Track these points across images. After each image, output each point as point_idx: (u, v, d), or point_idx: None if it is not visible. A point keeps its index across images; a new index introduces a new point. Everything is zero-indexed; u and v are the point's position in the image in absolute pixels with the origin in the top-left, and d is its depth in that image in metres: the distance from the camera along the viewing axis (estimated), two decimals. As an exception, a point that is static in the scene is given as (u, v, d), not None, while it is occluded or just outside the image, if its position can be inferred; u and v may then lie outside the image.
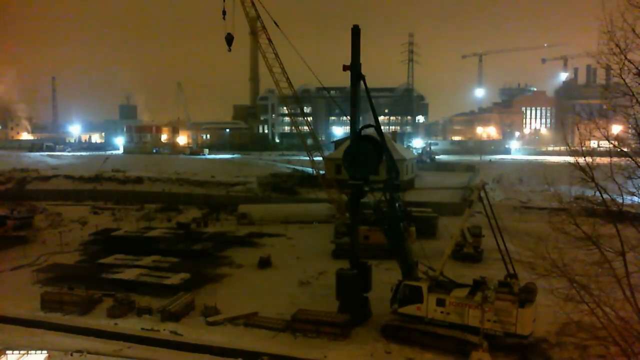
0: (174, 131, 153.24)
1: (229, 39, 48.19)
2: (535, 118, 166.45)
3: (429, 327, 25.84)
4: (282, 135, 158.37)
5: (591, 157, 16.23)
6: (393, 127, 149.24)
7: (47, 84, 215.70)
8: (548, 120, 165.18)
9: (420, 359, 24.95)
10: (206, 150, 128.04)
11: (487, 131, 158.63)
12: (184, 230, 52.14)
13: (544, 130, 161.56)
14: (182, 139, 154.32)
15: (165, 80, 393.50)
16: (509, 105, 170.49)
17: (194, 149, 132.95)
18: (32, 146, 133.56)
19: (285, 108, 69.87)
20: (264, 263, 41.20)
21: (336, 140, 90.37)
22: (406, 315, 26.68)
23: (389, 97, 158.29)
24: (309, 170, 70.13)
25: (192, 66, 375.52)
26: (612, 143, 16.28)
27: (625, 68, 15.34)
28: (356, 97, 29.05)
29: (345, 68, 28.74)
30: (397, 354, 25.31)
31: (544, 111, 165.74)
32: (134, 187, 74.66)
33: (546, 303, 22.34)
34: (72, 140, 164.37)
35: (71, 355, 25.38)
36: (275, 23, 45.26)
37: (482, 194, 26.65)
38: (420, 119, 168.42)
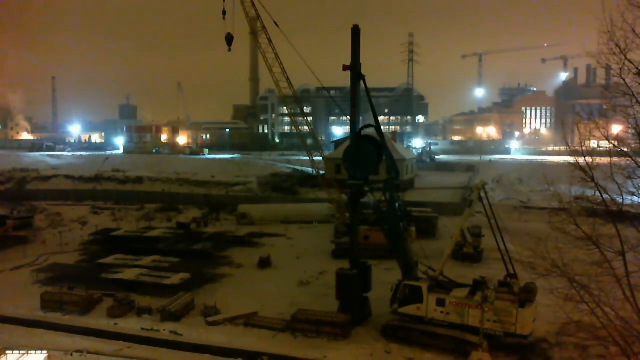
0: (174, 131, 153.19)
1: (229, 39, 48.16)
2: (535, 118, 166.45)
3: (429, 327, 25.84)
4: (282, 135, 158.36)
5: (591, 157, 16.24)
6: (393, 127, 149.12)
7: (47, 84, 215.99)
8: (548, 120, 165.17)
9: (420, 359, 24.95)
10: (206, 150, 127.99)
11: (487, 131, 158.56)
12: (184, 230, 52.18)
13: (544, 130, 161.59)
14: (182, 139, 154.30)
15: (165, 80, 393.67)
16: (509, 105, 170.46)
17: (194, 149, 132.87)
18: (32, 146, 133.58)
19: (285, 108, 69.90)
20: (264, 263, 41.20)
21: (336, 140, 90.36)
22: (406, 315, 26.68)
23: (389, 97, 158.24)
24: (309, 170, 70.09)
25: (192, 66, 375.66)
26: (612, 143, 16.28)
27: (625, 68, 15.35)
28: (356, 97, 29.04)
29: (345, 68, 28.74)
30: (397, 354, 25.31)
31: (544, 111, 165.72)
32: (134, 187, 74.64)
33: (546, 303, 22.31)
34: (72, 141, 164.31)
35: (71, 355, 25.39)
36: (275, 23, 45.25)
37: (482, 194, 26.65)
38: (420, 119, 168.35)
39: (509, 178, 74.98)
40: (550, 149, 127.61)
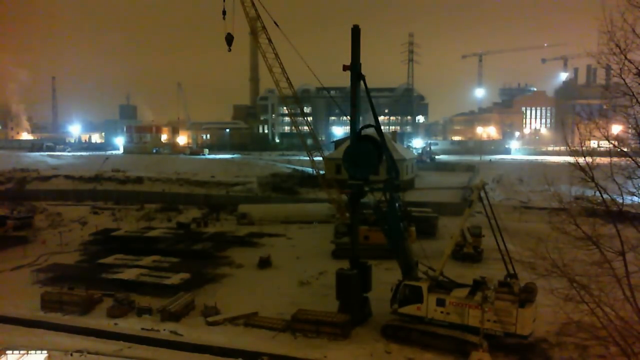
0: (174, 131, 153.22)
1: (229, 39, 48.17)
2: (535, 118, 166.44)
3: (429, 327, 25.83)
4: (282, 135, 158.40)
5: (591, 157, 16.24)
6: (393, 127, 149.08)
7: (47, 84, 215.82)
8: (548, 120, 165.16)
9: (420, 359, 24.94)
10: (206, 150, 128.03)
11: (487, 131, 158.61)
12: (184, 230, 52.22)
13: (544, 130, 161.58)
14: (182, 139, 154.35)
15: (165, 80, 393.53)
16: (509, 105, 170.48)
17: (194, 149, 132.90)
18: (32, 146, 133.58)
19: (285, 108, 69.88)
20: (264, 263, 41.21)
21: (336, 140, 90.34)
22: (406, 315, 26.67)
23: (389, 97, 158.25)
24: (309, 170, 70.12)
25: (192, 66, 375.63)
26: (612, 143, 16.29)
27: (625, 68, 15.36)
28: (356, 97, 29.04)
29: (345, 68, 28.73)
30: (397, 354, 25.31)
31: (544, 111, 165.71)
32: (134, 187, 74.66)
33: (546, 303, 22.29)
34: (72, 141, 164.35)
35: (71, 355, 25.38)
36: (275, 23, 45.27)
37: (482, 194, 26.65)
38: (420, 119, 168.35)
39: (509, 178, 74.96)
40: (550, 149, 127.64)
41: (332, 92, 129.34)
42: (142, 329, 28.63)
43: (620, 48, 15.17)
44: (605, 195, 16.18)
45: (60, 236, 51.34)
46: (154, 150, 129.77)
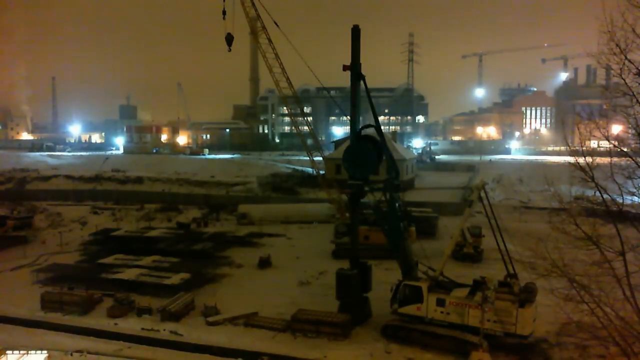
0: (174, 131, 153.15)
1: (229, 39, 48.15)
2: (535, 118, 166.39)
3: (429, 327, 25.83)
4: (282, 135, 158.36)
5: (591, 157, 16.25)
6: (393, 127, 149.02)
7: (47, 84, 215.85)
8: (548, 120, 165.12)
9: (420, 359, 24.94)
10: (206, 150, 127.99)
11: (487, 131, 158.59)
12: (184, 230, 52.22)
13: (544, 130, 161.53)
14: (182, 139, 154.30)
15: (165, 80, 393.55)
16: (509, 105, 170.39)
17: (194, 149, 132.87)
18: (32, 146, 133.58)
19: (285, 108, 69.89)
20: (264, 263, 41.20)
21: (336, 140, 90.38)
22: (406, 315, 26.67)
23: (389, 97, 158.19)
24: (309, 170, 70.11)
25: (192, 66, 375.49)
26: (612, 143, 16.30)
27: (625, 68, 15.36)
28: (356, 97, 29.03)
29: (345, 68, 28.73)
30: (397, 354, 25.30)
31: (544, 111, 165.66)
32: (134, 187, 74.65)
33: (546, 303, 22.33)
34: (72, 140, 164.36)
35: (71, 355, 25.39)
36: (275, 23, 45.26)
37: (482, 194, 26.64)
38: (420, 119, 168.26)
39: (509, 178, 74.95)
40: (550, 149, 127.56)
41: (332, 92, 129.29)
42: (142, 329, 28.62)
43: (620, 48, 15.17)
44: (605, 195, 16.19)
45: (60, 236, 51.33)
46: (154, 150, 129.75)
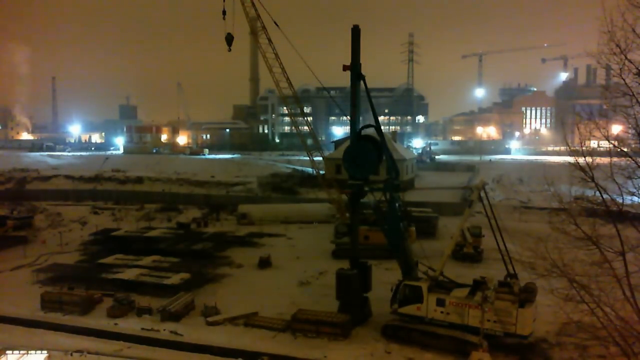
0: (174, 131, 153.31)
1: (229, 39, 48.13)
2: (535, 118, 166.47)
3: (429, 327, 25.83)
4: (282, 135, 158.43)
5: (591, 157, 16.24)
6: (393, 127, 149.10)
7: (47, 84, 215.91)
8: (548, 120, 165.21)
9: (420, 359, 24.94)
10: (206, 150, 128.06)
11: (487, 131, 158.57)
12: (184, 230, 52.22)
13: (544, 130, 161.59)
14: (182, 139, 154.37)
15: (165, 80, 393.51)
16: (509, 105, 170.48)
17: (194, 149, 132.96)
18: (32, 146, 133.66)
19: (285, 108, 69.87)
20: (264, 263, 41.20)
21: (336, 140, 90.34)
22: (406, 315, 26.67)
23: (389, 97, 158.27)
24: (309, 170, 70.10)
25: (192, 66, 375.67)
26: (612, 143, 16.29)
27: (625, 68, 15.36)
28: (356, 97, 29.02)
29: (345, 68, 28.72)
30: (397, 354, 25.30)
31: (544, 111, 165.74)
32: (134, 187, 74.63)
33: (546, 303, 22.33)
34: (72, 140, 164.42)
35: (71, 355, 25.38)
36: (275, 23, 45.23)
37: (482, 194, 26.64)
38: (420, 119, 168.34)
39: (509, 178, 74.95)
40: (550, 149, 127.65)
41: (332, 92, 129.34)
42: (142, 329, 28.62)
43: (620, 48, 15.17)
44: (605, 195, 16.18)
45: (60, 236, 51.33)
46: (154, 150, 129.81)
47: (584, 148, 16.54)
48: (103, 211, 64.74)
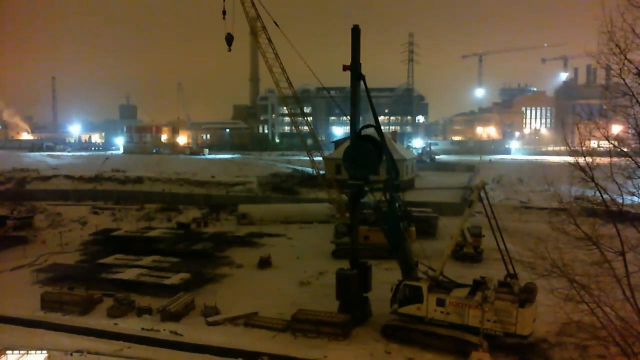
0: (174, 131, 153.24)
1: (229, 39, 48.14)
2: (535, 118, 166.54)
3: (429, 327, 25.82)
4: (282, 135, 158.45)
5: (591, 157, 16.24)
6: (393, 127, 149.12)
7: (47, 84, 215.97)
8: (548, 120, 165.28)
9: (420, 359, 24.94)
10: (206, 150, 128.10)
11: (487, 131, 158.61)
12: (184, 230, 52.20)
13: (544, 130, 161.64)
14: (182, 139, 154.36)
15: (165, 80, 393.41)
16: (509, 105, 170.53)
17: (194, 149, 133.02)
18: (32, 146, 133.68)
19: (285, 108, 69.83)
20: (264, 263, 41.19)
21: (336, 140, 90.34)
22: (406, 315, 26.67)
23: (389, 97, 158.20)
24: (309, 170, 70.12)
25: (192, 66, 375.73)
26: (612, 143, 16.30)
27: (625, 68, 15.36)
28: (356, 97, 29.01)
29: (345, 68, 28.71)
30: (397, 354, 25.30)
31: (544, 111, 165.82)
32: (134, 187, 74.66)
33: (546, 303, 22.31)
34: (72, 140, 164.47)
35: (71, 355, 25.40)
36: (275, 23, 45.22)
37: (482, 194, 26.63)
38: (420, 119, 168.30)
39: (509, 178, 74.98)
40: (550, 149, 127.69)
41: (332, 92, 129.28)
42: (142, 329, 28.61)
43: (620, 48, 15.18)
44: (605, 195, 16.18)
45: (60, 236, 51.33)
46: (154, 150, 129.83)
47: (584, 148, 16.54)
48: (103, 211, 64.74)
